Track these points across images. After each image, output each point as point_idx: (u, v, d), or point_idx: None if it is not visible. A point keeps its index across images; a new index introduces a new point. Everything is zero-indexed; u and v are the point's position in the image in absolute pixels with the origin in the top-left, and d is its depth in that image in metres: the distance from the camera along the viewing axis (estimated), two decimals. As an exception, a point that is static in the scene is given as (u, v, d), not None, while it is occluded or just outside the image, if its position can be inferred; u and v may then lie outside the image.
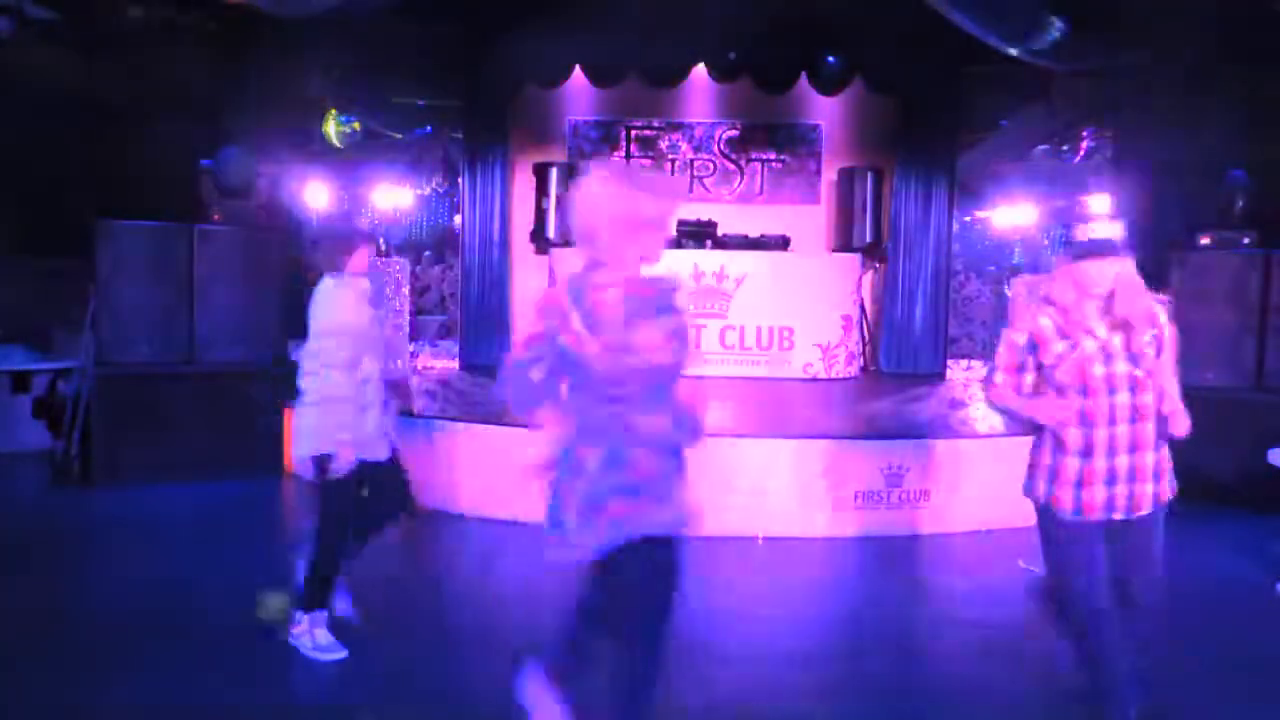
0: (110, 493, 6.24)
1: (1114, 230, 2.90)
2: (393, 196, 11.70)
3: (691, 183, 9.86)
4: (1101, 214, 3.05)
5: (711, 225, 9.01)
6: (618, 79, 9.14)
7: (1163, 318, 2.98)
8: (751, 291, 8.34)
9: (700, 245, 8.82)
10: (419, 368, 8.83)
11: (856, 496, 5.64)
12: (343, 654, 3.61)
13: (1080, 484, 2.91)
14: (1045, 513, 3.01)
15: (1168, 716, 3.10)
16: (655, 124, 9.88)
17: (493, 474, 5.70)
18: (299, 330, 3.74)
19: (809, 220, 9.77)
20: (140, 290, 6.60)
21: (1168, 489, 3.01)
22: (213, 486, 6.37)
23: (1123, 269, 2.88)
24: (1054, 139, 9.32)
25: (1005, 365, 3.03)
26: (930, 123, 9.30)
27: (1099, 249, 2.86)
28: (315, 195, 9.12)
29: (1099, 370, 2.88)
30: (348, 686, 3.48)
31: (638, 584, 2.57)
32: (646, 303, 2.53)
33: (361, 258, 3.68)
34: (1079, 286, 2.90)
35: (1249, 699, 3.51)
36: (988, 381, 3.09)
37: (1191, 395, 6.86)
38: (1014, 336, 3.02)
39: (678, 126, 9.88)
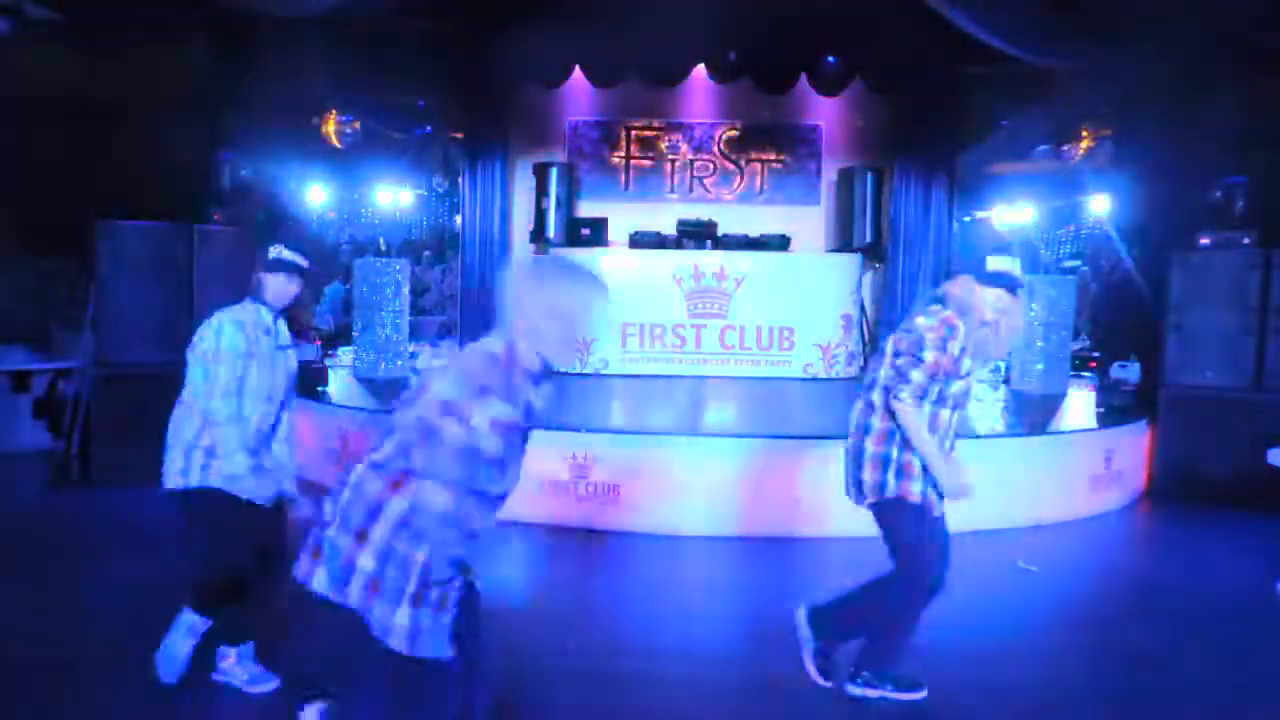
0: (110, 493, 6.23)
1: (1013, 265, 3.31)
2: (393, 196, 11.73)
3: (691, 183, 9.87)
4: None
5: (711, 225, 9.01)
6: (618, 79, 9.14)
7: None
8: (751, 291, 8.35)
9: (700, 245, 8.82)
10: (419, 369, 8.83)
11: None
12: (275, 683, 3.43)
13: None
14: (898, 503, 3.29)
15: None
16: (655, 124, 9.88)
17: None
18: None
19: (809, 220, 9.77)
20: (140, 290, 6.60)
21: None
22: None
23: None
24: (1054, 139, 9.31)
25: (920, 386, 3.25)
26: (930, 123, 9.30)
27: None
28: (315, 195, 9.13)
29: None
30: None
31: None
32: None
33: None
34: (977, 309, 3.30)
35: (1248, 698, 3.51)
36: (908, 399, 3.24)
37: (1191, 395, 6.86)
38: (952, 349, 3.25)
39: (678, 126, 9.87)
